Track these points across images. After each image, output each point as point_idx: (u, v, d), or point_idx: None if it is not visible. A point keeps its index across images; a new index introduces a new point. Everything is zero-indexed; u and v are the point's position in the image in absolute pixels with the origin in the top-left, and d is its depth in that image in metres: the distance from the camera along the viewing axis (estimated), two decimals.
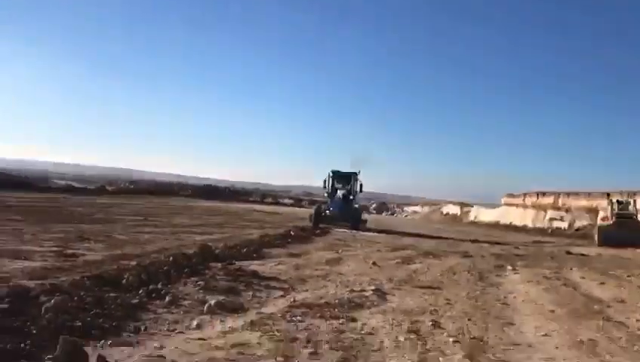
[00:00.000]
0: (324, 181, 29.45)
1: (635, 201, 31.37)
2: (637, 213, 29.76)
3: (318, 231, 22.74)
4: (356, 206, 29.50)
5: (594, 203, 41.37)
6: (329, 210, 28.36)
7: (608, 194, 35.91)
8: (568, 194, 46.61)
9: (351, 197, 28.87)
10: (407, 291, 9.51)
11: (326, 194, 30.03)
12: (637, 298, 10.29)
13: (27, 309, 5.53)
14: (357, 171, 29.49)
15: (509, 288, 10.99)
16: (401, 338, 6.07)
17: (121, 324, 5.68)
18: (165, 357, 4.70)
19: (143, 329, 5.66)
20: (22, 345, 4.52)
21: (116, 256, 10.70)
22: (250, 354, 5.07)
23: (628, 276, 13.91)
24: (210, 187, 79.79)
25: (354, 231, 25.19)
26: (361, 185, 29.25)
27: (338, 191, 29.00)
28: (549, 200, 48.06)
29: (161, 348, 5.00)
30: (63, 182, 62.13)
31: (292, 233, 19.31)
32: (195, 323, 6.07)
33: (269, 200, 73.37)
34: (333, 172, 29.77)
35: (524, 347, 6.23)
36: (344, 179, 29.77)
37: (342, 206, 28.00)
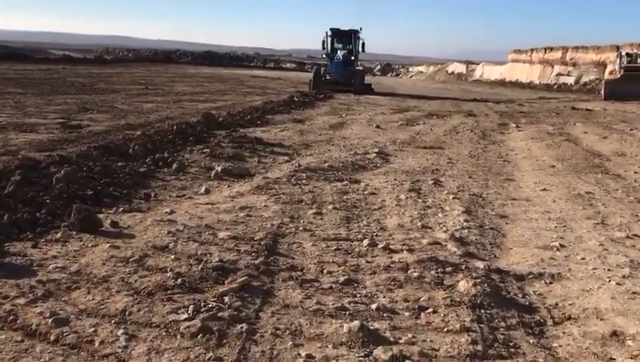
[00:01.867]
0: (323, 41, 27.19)
1: None
2: None
3: (321, 95, 21.87)
4: (359, 68, 27.87)
5: (603, 57, 40.37)
6: (329, 73, 26.40)
7: (618, 48, 34.99)
8: (577, 48, 45.30)
9: (352, 58, 26.98)
10: (409, 152, 9.65)
11: (324, 56, 28.03)
12: (637, 151, 10.43)
13: (38, 180, 5.69)
14: (359, 28, 27.28)
15: (512, 145, 11.14)
16: (402, 197, 6.27)
17: (131, 192, 5.86)
18: (176, 221, 4.91)
19: (152, 195, 5.85)
20: (37, 215, 4.71)
21: (120, 126, 10.78)
22: (258, 216, 5.28)
23: (631, 130, 13.98)
24: (210, 53, 78.17)
25: (357, 95, 23.92)
26: (363, 44, 27.00)
27: (338, 52, 26.97)
28: (556, 55, 46.84)
29: (172, 213, 5.20)
30: (60, 53, 60.95)
31: (295, 99, 19.18)
32: (202, 188, 6.26)
33: (271, 65, 72.08)
34: (332, 30, 27.36)
35: (522, 201, 6.45)
36: (344, 37, 27.57)
37: (343, 68, 25.95)
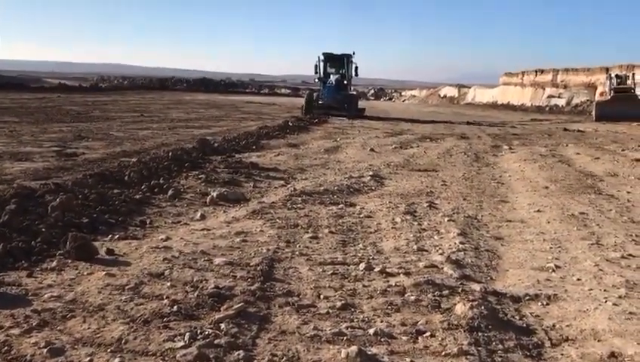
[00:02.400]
0: (315, 66, 26.76)
1: (633, 75, 31.05)
2: (635, 87, 29.57)
3: (315, 120, 21.80)
4: (352, 92, 27.63)
5: (593, 78, 40.92)
6: (322, 98, 25.94)
7: (607, 69, 35.48)
8: (567, 70, 45.93)
9: (345, 82, 26.57)
10: (404, 175, 9.69)
11: (317, 80, 27.44)
12: (629, 171, 10.52)
13: (34, 209, 5.68)
14: (351, 53, 26.92)
15: (505, 167, 11.20)
16: (398, 220, 6.29)
17: (126, 219, 5.85)
18: (172, 248, 4.90)
19: (148, 222, 5.84)
20: (33, 243, 4.70)
21: (116, 154, 10.79)
22: (254, 241, 5.27)
23: (622, 150, 14.12)
24: (205, 80, 78.71)
25: (351, 119, 23.61)
26: (356, 68, 26.64)
27: (331, 77, 26.62)
28: (547, 77, 47.45)
29: (167, 239, 5.20)
30: (55, 81, 61.21)
31: (290, 124, 19.28)
32: (198, 214, 6.25)
33: (266, 91, 72.62)
34: (325, 55, 27.03)
35: (517, 223, 6.47)
36: (337, 62, 27.17)
37: (336, 92, 25.62)
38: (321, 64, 26.99)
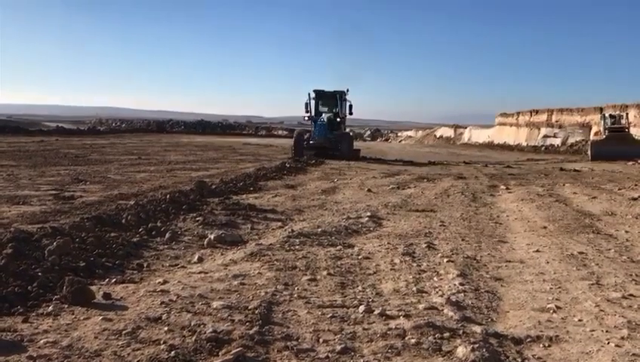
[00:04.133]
0: (306, 104, 24.81)
1: (627, 115, 31.50)
2: (629, 127, 29.96)
3: (313, 161, 21.15)
4: (347, 132, 26.25)
5: (587, 118, 41.46)
6: (313, 138, 24.05)
7: (601, 109, 36.01)
8: (562, 110, 46.54)
9: (338, 120, 24.98)
10: (402, 215, 9.69)
11: (307, 119, 25.29)
12: (626, 210, 10.53)
13: (30, 253, 5.64)
14: (345, 90, 25.24)
15: (503, 207, 11.20)
16: (397, 261, 6.26)
17: (123, 262, 5.82)
18: (169, 292, 4.85)
19: (145, 266, 5.81)
20: (29, 288, 4.65)
21: (113, 196, 10.80)
22: (251, 283, 5.23)
23: (619, 189, 14.16)
24: (202, 122, 79.47)
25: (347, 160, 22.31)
26: (350, 107, 24.83)
27: (323, 115, 24.88)
28: (542, 117, 48.02)
29: (164, 283, 5.15)
30: (53, 125, 61.70)
31: (287, 165, 19.35)
32: (196, 257, 6.22)
33: (263, 132, 73.25)
34: (316, 92, 25.30)
35: (516, 263, 6.44)
36: (329, 99, 25.65)
37: (328, 131, 23.79)
38: (312, 102, 25.32)
